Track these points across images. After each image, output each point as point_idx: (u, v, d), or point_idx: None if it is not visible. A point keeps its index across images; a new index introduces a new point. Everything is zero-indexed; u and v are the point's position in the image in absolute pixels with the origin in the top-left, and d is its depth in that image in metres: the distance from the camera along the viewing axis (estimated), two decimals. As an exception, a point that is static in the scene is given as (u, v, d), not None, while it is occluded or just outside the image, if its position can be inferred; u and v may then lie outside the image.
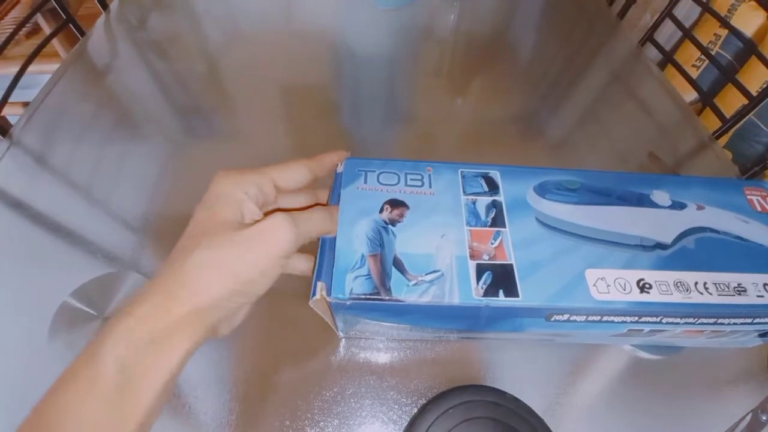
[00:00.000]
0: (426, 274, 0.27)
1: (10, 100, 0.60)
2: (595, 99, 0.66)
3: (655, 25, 0.74)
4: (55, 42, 0.94)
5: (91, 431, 0.21)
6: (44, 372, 0.39)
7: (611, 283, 0.28)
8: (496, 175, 0.32)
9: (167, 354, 0.22)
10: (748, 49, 0.77)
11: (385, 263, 0.27)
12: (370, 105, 0.64)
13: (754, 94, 0.62)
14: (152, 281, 0.24)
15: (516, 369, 0.40)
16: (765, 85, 0.94)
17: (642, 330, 0.30)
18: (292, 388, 0.38)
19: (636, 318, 0.28)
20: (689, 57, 1.14)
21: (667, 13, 0.74)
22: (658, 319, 0.28)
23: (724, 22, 0.71)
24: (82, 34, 0.70)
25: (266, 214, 0.27)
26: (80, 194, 0.50)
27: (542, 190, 0.32)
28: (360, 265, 0.27)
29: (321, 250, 0.29)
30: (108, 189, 0.51)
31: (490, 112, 0.64)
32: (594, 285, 0.28)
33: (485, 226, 0.30)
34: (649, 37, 0.75)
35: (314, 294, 0.27)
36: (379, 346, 0.41)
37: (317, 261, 0.29)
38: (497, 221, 0.30)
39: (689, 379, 0.40)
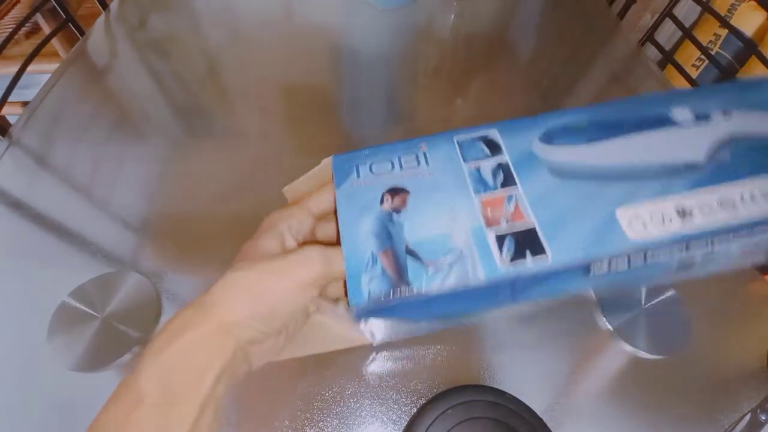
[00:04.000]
0: (443, 257, 0.25)
1: (10, 99, 0.60)
2: (595, 99, 0.65)
3: (655, 25, 0.74)
4: (54, 42, 0.93)
5: None
6: (44, 372, 0.40)
7: (647, 220, 0.25)
8: (495, 134, 0.29)
9: (198, 369, 0.23)
10: (748, 48, 0.77)
11: (398, 256, 0.25)
12: (370, 105, 0.64)
13: (754, 94, 0.62)
14: (193, 300, 0.25)
15: (516, 369, 0.40)
16: (765, 85, 0.94)
17: (693, 264, 0.27)
18: (292, 388, 0.38)
19: (684, 249, 0.25)
20: (689, 57, 1.14)
21: (667, 13, 0.74)
22: (709, 245, 0.25)
23: (724, 22, 0.71)
24: (82, 33, 0.70)
25: (305, 244, 0.27)
26: (80, 194, 0.50)
27: (549, 138, 0.28)
28: (372, 264, 0.25)
29: None
30: (108, 189, 0.51)
31: (490, 112, 0.64)
32: (629, 225, 0.25)
33: (495, 190, 0.27)
34: (649, 37, 0.75)
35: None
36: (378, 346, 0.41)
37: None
38: (508, 183, 0.27)
39: (689, 378, 0.40)
